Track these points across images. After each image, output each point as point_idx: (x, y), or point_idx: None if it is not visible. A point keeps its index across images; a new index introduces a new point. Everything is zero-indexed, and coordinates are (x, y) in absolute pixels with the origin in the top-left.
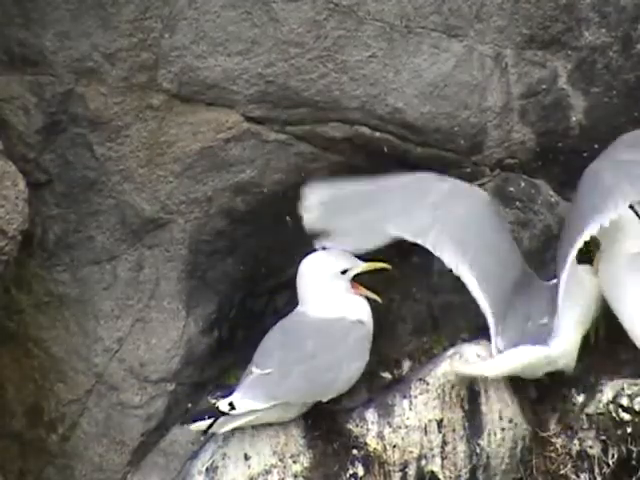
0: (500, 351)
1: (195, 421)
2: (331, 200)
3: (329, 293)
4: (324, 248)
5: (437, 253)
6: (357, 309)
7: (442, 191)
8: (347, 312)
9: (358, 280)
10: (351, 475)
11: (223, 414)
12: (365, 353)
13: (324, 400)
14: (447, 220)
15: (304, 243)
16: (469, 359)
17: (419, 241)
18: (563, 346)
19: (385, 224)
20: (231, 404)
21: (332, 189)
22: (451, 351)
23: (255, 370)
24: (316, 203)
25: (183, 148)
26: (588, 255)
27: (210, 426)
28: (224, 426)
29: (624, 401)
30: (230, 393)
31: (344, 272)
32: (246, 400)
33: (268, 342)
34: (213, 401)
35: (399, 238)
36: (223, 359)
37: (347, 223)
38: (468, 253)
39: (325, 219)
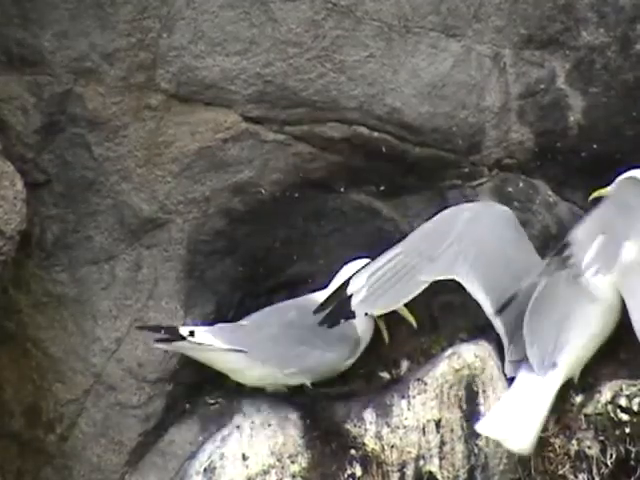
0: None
1: (156, 337)
2: (370, 277)
3: None
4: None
5: (467, 286)
6: (362, 324)
7: (463, 221)
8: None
9: None
10: (349, 475)
11: (181, 337)
12: (345, 350)
13: (289, 379)
14: (469, 250)
15: (303, 243)
16: (468, 360)
17: (450, 277)
18: (562, 376)
19: (417, 273)
20: (192, 332)
21: (369, 269)
22: (449, 351)
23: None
24: (359, 286)
25: (181, 148)
26: None
27: (162, 340)
28: (182, 349)
29: (622, 402)
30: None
31: None
32: (207, 334)
33: (266, 308)
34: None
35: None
36: None
37: (385, 286)
38: (486, 279)
39: (370, 297)
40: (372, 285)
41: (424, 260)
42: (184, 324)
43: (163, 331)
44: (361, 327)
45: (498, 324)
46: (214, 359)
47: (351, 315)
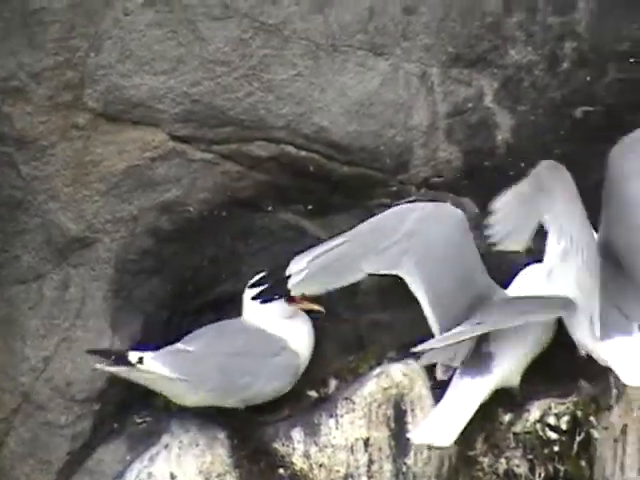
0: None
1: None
2: (312, 261)
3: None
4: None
5: (409, 283)
6: (299, 339)
7: (413, 219)
8: (289, 337)
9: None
10: None
11: (128, 364)
12: (287, 378)
13: (227, 404)
14: (417, 248)
15: (231, 262)
16: (395, 379)
17: (394, 273)
18: (499, 380)
19: (360, 263)
20: (140, 359)
21: (311, 254)
22: (378, 370)
23: (179, 345)
24: (299, 269)
25: (109, 167)
26: None
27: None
28: (128, 374)
29: (551, 420)
30: (147, 350)
31: None
32: (155, 362)
33: (204, 329)
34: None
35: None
36: None
37: (326, 271)
38: (430, 279)
39: (309, 279)
40: (312, 268)
41: (369, 252)
42: (123, 348)
43: (113, 357)
44: (302, 353)
45: (435, 326)
46: (158, 384)
47: (286, 293)
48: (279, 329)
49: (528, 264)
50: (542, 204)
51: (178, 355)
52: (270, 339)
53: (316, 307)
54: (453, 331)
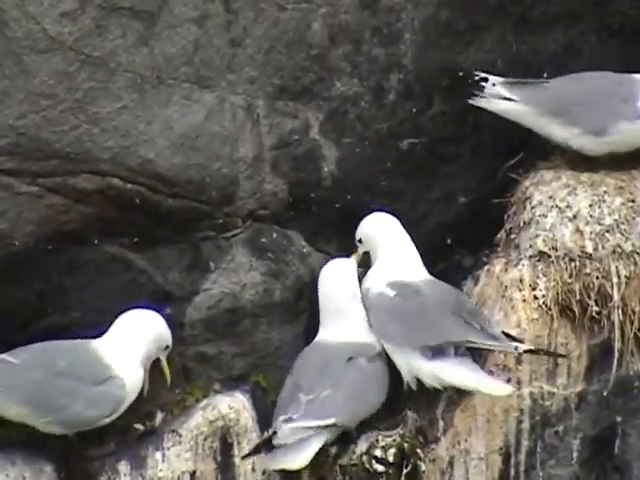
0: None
1: None
2: None
3: (138, 348)
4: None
5: None
6: (132, 368)
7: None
8: (121, 365)
9: None
10: None
11: None
12: (109, 407)
13: (45, 425)
14: None
15: (57, 295)
16: (222, 411)
17: None
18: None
19: None
20: None
21: None
22: (204, 403)
23: (4, 355)
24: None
25: None
26: None
27: None
28: None
29: (378, 452)
30: None
31: (166, 348)
32: None
33: (37, 344)
34: None
35: None
36: None
37: None
38: None
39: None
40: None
41: None
42: None
43: None
44: (130, 385)
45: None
46: None
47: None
48: (115, 358)
49: None
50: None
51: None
52: (98, 365)
53: (167, 375)
54: None
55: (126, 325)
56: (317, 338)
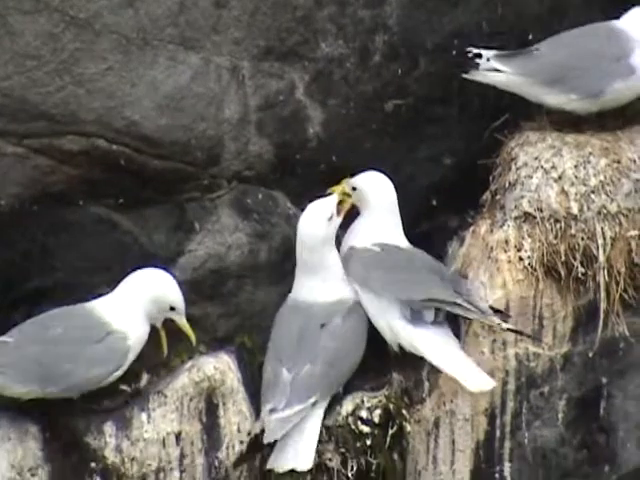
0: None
1: None
2: None
3: (140, 308)
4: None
5: None
6: (132, 320)
7: None
8: (118, 320)
9: None
10: None
11: None
12: (112, 366)
13: (55, 394)
14: None
15: (42, 256)
16: (207, 372)
17: None
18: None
19: None
20: None
21: None
22: (189, 364)
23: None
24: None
25: None
26: None
27: None
28: None
29: (363, 413)
30: None
31: (172, 309)
32: None
33: (31, 319)
34: None
35: None
36: None
37: None
38: None
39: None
40: None
41: None
42: None
43: None
44: (134, 337)
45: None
46: None
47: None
48: (114, 316)
49: None
50: None
51: None
52: (94, 324)
53: (164, 343)
54: None
55: (125, 284)
56: (292, 293)
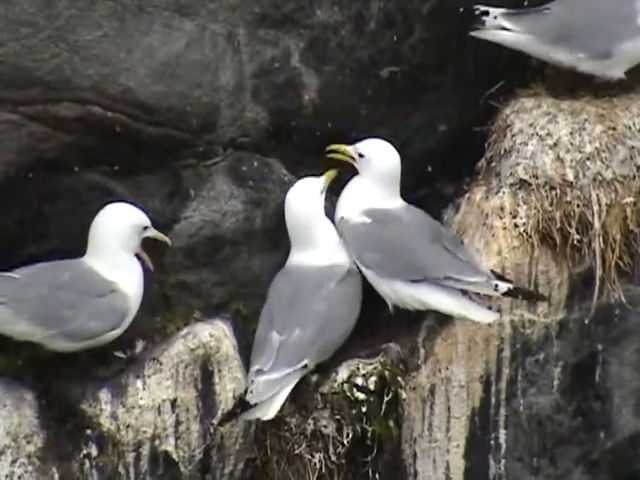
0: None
1: None
2: None
3: (120, 246)
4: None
5: None
6: (131, 281)
7: None
8: (121, 280)
9: None
10: (85, 455)
11: None
12: (112, 320)
13: (45, 340)
14: None
15: (37, 223)
16: (202, 339)
17: None
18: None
19: None
20: None
21: None
22: (185, 331)
23: (7, 273)
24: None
25: None
26: None
27: None
28: None
29: (359, 380)
30: None
31: (145, 228)
32: None
33: (40, 264)
34: None
35: None
36: None
37: None
38: None
39: None
40: None
41: None
42: None
43: None
44: (133, 297)
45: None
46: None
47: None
48: (112, 273)
49: None
50: None
51: (2, 280)
52: (99, 280)
53: (148, 262)
54: None
55: (100, 233)
56: (289, 260)
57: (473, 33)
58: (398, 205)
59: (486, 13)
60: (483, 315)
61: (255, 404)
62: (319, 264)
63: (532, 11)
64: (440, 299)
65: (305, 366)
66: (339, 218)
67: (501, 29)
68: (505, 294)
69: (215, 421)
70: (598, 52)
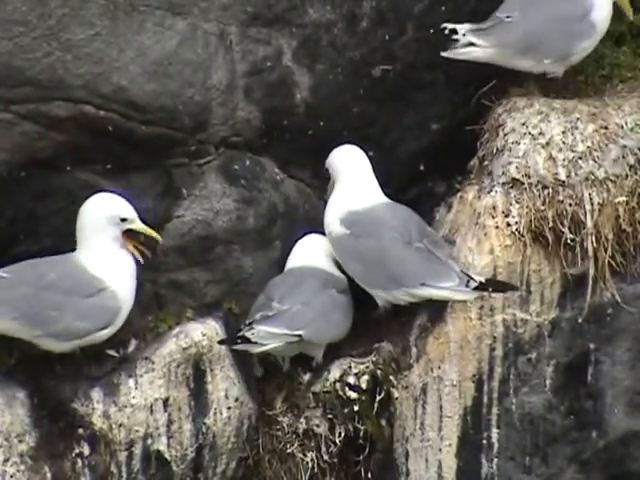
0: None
1: None
2: None
3: (102, 238)
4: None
5: None
6: (122, 277)
7: None
8: (110, 276)
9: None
10: (77, 454)
11: None
12: (102, 320)
13: (33, 339)
14: None
15: (29, 222)
16: (195, 338)
17: None
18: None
19: None
20: None
21: None
22: (177, 330)
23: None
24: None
25: None
26: None
27: None
28: None
29: (351, 379)
30: None
31: (124, 220)
32: None
33: (29, 260)
34: None
35: None
36: None
37: None
38: None
39: None
40: None
41: None
42: None
43: None
44: (124, 296)
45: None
46: None
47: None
48: (102, 269)
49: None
50: None
51: None
52: (87, 278)
53: (137, 253)
54: None
55: (79, 224)
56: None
57: (444, 54)
58: (379, 203)
59: (454, 31)
60: (466, 295)
61: (255, 342)
62: (325, 269)
63: (496, 23)
64: (423, 293)
65: (300, 337)
66: (327, 232)
67: (469, 45)
68: (476, 288)
69: (207, 420)
70: (562, 54)
